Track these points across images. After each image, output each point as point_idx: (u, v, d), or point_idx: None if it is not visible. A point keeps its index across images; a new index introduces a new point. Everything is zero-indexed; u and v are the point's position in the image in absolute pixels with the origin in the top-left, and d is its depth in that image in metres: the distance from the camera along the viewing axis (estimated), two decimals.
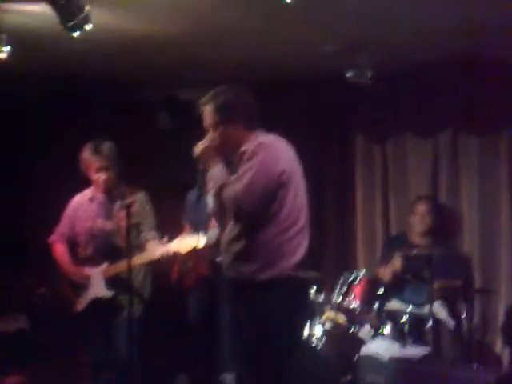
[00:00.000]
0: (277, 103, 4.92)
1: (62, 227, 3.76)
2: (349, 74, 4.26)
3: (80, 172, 3.71)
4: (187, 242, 3.40)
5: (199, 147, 2.82)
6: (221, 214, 2.84)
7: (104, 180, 3.60)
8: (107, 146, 3.60)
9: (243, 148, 2.77)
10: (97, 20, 3.30)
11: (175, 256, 3.49)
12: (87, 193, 3.76)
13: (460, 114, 4.72)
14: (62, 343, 4.29)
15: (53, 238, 3.78)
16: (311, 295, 4.06)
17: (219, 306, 4.39)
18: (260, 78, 4.79)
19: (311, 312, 3.95)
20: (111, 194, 3.66)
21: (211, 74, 4.82)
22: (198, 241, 3.37)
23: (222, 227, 2.90)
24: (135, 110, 5.16)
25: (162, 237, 3.64)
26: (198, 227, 4.13)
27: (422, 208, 4.52)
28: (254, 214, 2.64)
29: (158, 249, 3.49)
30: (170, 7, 3.62)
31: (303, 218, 2.74)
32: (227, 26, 3.89)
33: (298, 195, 2.72)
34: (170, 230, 4.39)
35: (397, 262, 4.30)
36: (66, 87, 4.68)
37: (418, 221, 4.50)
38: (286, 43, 4.18)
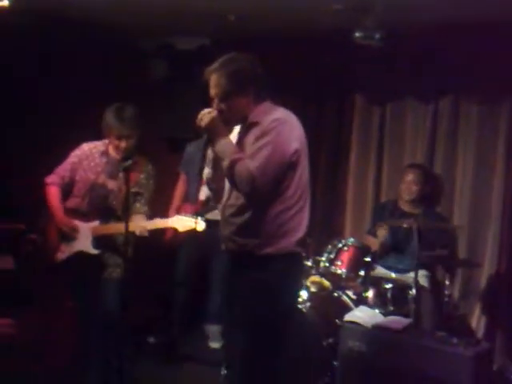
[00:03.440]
0: (275, 60, 4.78)
1: (63, 171, 3.62)
2: (357, 35, 4.14)
3: (74, 122, 3.60)
4: (187, 223, 3.35)
5: (206, 117, 2.69)
6: (220, 184, 2.82)
7: (124, 148, 3.49)
8: (131, 113, 3.46)
9: (253, 119, 2.71)
10: None
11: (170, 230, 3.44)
12: (99, 145, 3.62)
13: (462, 81, 4.64)
14: (49, 287, 4.30)
15: (51, 178, 3.62)
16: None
17: (210, 260, 4.44)
18: (259, 33, 4.66)
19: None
20: (125, 157, 3.49)
21: (209, 24, 4.72)
22: (198, 224, 3.31)
23: (218, 198, 2.89)
24: (131, 58, 5.00)
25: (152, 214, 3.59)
26: (194, 180, 4.14)
27: (409, 177, 4.52)
28: (266, 193, 2.62)
29: (140, 224, 3.40)
30: None
31: (305, 196, 2.75)
32: None
33: (303, 173, 2.72)
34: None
35: (381, 233, 4.36)
36: (64, 34, 4.51)
37: (406, 189, 4.50)
38: None
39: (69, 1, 3.91)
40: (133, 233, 3.40)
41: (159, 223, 3.42)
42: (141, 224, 3.40)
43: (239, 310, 2.75)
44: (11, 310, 4.39)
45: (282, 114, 2.71)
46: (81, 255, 3.51)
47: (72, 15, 4.35)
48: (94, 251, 3.50)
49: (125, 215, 3.16)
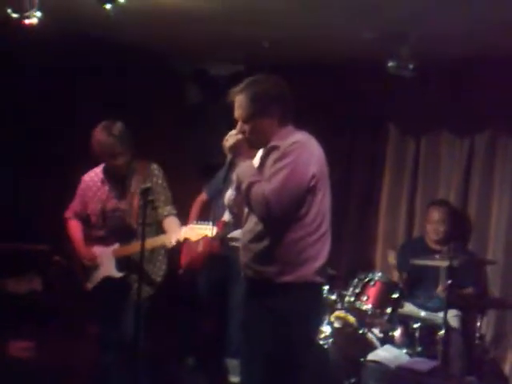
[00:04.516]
0: (308, 88, 4.74)
1: (75, 206, 3.67)
2: (390, 65, 4.06)
3: None
4: (199, 231, 3.27)
5: (231, 138, 2.66)
6: (240, 209, 2.76)
7: (120, 165, 3.46)
8: (122, 129, 3.43)
9: (274, 143, 2.65)
10: None
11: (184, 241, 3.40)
12: (98, 173, 3.61)
13: (500, 115, 4.50)
14: (73, 311, 4.27)
15: (67, 213, 3.69)
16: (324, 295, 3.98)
17: (229, 286, 4.30)
18: (292, 60, 4.63)
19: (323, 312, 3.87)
20: (123, 174, 3.53)
21: (244, 51, 4.72)
22: (210, 230, 3.25)
23: (238, 222, 2.84)
24: (164, 82, 5.02)
25: (178, 211, 3.55)
26: (217, 204, 4.06)
27: (435, 216, 4.36)
28: (282, 218, 2.55)
29: (174, 235, 3.36)
30: None
31: (326, 223, 2.66)
32: (264, 5, 3.75)
33: (324, 199, 2.64)
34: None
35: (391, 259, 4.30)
36: (94, 56, 4.57)
37: (432, 230, 4.36)
38: (324, 26, 4.02)
39: (105, 24, 3.95)
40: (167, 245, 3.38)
41: (173, 236, 3.34)
42: (167, 237, 3.36)
43: (255, 340, 2.67)
44: (34, 331, 4.39)
45: (301, 137, 2.64)
46: (106, 281, 3.50)
47: (107, 38, 4.40)
48: (119, 274, 3.47)
49: (142, 232, 3.14)
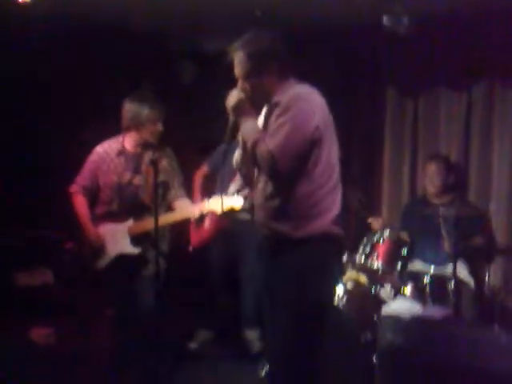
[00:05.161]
0: (305, 54, 4.75)
1: (83, 179, 3.55)
2: (385, 21, 4.07)
3: (105, 127, 3.55)
4: (225, 202, 3.30)
5: (233, 98, 2.66)
6: (249, 168, 2.78)
7: (160, 131, 3.43)
8: (153, 95, 3.44)
9: (276, 98, 2.65)
10: None
11: (209, 214, 3.40)
12: (114, 144, 3.52)
13: (496, 67, 4.51)
14: (88, 298, 4.27)
15: (73, 187, 3.56)
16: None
17: (240, 257, 4.34)
18: (287, 28, 4.62)
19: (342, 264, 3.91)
20: (143, 147, 3.47)
21: (236, 23, 4.71)
22: (237, 202, 3.29)
23: (248, 182, 2.87)
24: (159, 61, 5.02)
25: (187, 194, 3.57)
26: (222, 178, 4.07)
27: (431, 169, 4.42)
28: (289, 172, 2.56)
29: (188, 208, 3.38)
30: None
31: (336, 174, 2.68)
32: None
33: (331, 151, 2.64)
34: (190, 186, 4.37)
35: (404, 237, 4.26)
36: (87, 33, 4.55)
37: (429, 182, 4.42)
38: None
39: (98, 3, 3.94)
40: (182, 221, 3.39)
41: (198, 208, 3.37)
42: (189, 209, 3.37)
43: (277, 295, 2.69)
44: (52, 321, 4.39)
45: (301, 90, 2.64)
46: (120, 258, 3.45)
47: (101, 18, 4.38)
48: (135, 250, 3.42)
49: (155, 208, 3.13)
